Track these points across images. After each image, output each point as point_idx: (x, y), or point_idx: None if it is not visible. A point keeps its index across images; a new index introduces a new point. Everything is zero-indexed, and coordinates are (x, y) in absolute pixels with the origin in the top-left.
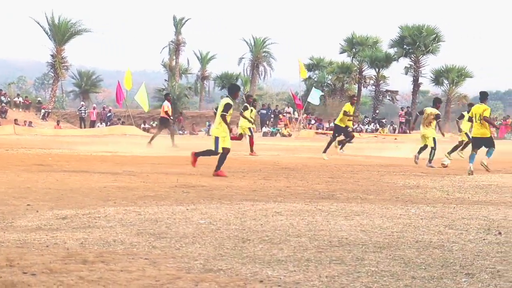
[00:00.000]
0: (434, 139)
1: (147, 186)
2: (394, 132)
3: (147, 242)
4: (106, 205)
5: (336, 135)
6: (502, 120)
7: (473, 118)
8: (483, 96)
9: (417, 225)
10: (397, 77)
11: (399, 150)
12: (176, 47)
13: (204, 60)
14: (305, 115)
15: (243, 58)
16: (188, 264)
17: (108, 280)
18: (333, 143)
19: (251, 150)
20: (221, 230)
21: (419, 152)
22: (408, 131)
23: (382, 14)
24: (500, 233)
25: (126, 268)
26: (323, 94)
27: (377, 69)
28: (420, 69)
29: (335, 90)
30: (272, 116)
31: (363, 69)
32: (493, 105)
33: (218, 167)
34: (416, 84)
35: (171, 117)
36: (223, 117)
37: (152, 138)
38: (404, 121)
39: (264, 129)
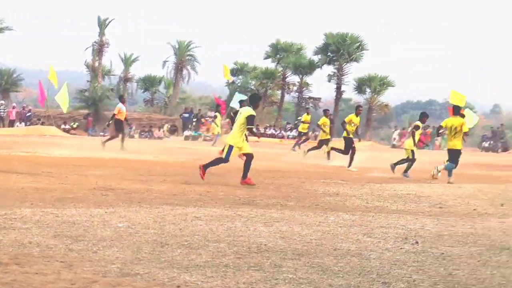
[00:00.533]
0: (413, 151)
1: (65, 188)
2: (316, 139)
3: (64, 245)
4: (23, 206)
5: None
6: (422, 130)
7: (449, 130)
8: (457, 109)
9: (335, 232)
10: (320, 84)
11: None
12: (99, 48)
13: (127, 62)
14: (227, 119)
15: (167, 61)
16: (105, 268)
17: (22, 282)
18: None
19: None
20: (140, 234)
21: (396, 164)
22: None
23: (307, 21)
24: (417, 242)
25: (41, 271)
26: (245, 99)
27: (300, 76)
28: (343, 77)
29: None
30: (195, 120)
31: (286, 75)
32: (414, 115)
33: (244, 174)
34: (339, 91)
35: (127, 120)
36: (250, 130)
37: (107, 140)
38: None
39: (186, 132)
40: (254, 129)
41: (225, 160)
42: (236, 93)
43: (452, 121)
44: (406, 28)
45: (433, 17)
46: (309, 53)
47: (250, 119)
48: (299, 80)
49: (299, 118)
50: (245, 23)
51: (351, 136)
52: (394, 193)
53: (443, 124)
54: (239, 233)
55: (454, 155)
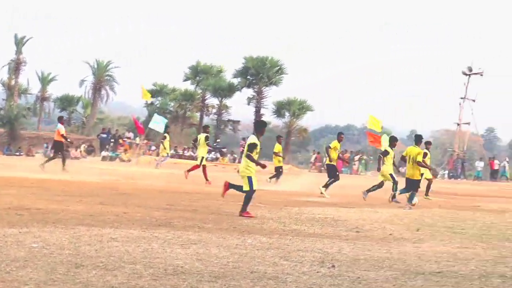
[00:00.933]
0: (391, 175)
1: None
2: (234, 162)
3: None
4: None
5: (332, 176)
6: (340, 155)
7: (407, 159)
8: (417, 139)
9: (252, 255)
10: (239, 107)
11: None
12: (16, 66)
13: (44, 81)
14: (145, 140)
15: (84, 80)
16: None
17: None
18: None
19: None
20: (54, 254)
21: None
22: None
23: (227, 44)
24: (333, 266)
25: None
26: (167, 121)
27: (220, 98)
28: (262, 100)
29: (177, 117)
30: (112, 140)
31: (206, 98)
32: (332, 139)
33: (244, 208)
34: (258, 115)
35: (68, 140)
36: (249, 156)
37: (46, 161)
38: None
39: (104, 153)
40: (254, 155)
41: (252, 191)
42: (155, 114)
43: (410, 150)
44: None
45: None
46: (229, 76)
47: (250, 147)
48: (218, 102)
49: (218, 140)
50: (165, 44)
51: (334, 163)
52: (311, 217)
53: (404, 153)
54: (155, 254)
55: (411, 185)
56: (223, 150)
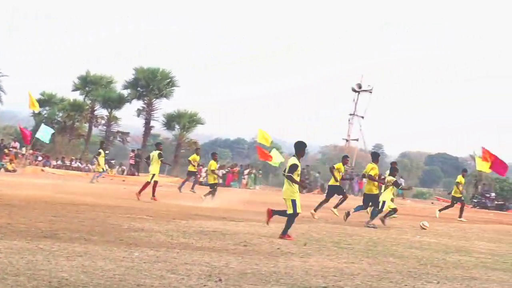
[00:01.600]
0: (383, 202)
1: None
2: (123, 174)
3: None
4: None
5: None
6: (229, 168)
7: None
8: (374, 156)
9: (139, 268)
10: (129, 119)
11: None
12: None
13: None
14: (31, 150)
15: None
16: None
17: None
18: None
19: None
20: None
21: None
22: (137, 173)
23: (117, 55)
24: (220, 280)
25: None
26: (54, 132)
27: (109, 109)
28: (152, 112)
29: (66, 128)
30: None
31: (95, 109)
32: (222, 152)
33: (285, 230)
34: (147, 127)
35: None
36: (290, 178)
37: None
38: (134, 163)
39: None
40: (296, 177)
41: (295, 214)
42: (43, 124)
43: (369, 166)
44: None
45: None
46: (119, 87)
47: (291, 169)
48: (107, 113)
49: (106, 152)
50: (52, 53)
51: (338, 184)
52: (199, 230)
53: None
54: (40, 266)
55: (370, 200)
56: (111, 161)
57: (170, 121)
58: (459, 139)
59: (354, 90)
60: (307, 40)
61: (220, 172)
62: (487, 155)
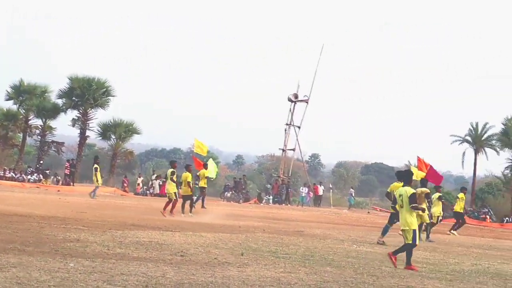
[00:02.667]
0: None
1: None
2: (58, 184)
3: None
4: None
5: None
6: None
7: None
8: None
9: (75, 279)
10: (64, 128)
11: None
12: None
13: None
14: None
15: None
16: None
17: None
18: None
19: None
20: None
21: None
22: (72, 184)
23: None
24: None
25: None
26: None
27: (44, 119)
28: (88, 122)
29: None
30: None
31: (29, 118)
32: (158, 162)
33: (408, 261)
34: (83, 136)
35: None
36: (414, 208)
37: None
38: (69, 173)
39: None
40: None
41: (414, 245)
42: None
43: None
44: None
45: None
46: (54, 97)
47: (411, 199)
48: (42, 123)
49: (41, 162)
50: None
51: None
52: (136, 240)
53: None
54: None
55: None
56: (46, 172)
57: (106, 130)
58: (395, 149)
59: (290, 100)
60: (244, 49)
61: (157, 182)
62: (423, 165)
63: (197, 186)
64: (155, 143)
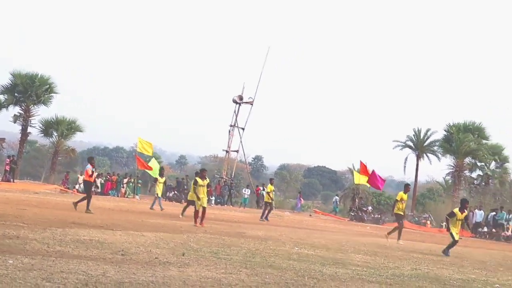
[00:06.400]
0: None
1: None
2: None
3: None
4: None
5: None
6: (108, 176)
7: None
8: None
9: (14, 276)
10: (5, 125)
11: None
12: None
13: None
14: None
15: None
16: None
17: None
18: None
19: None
20: None
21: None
22: (12, 180)
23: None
24: None
25: None
26: None
27: None
28: (30, 119)
29: None
30: None
31: None
32: (100, 161)
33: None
34: (24, 133)
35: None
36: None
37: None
38: (9, 169)
39: None
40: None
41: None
42: None
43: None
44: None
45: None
46: None
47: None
48: None
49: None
50: None
51: (401, 213)
52: (76, 238)
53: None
54: None
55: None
56: None
57: (48, 127)
58: (338, 153)
59: (235, 102)
60: (191, 49)
61: (98, 181)
62: (365, 169)
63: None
64: (97, 142)
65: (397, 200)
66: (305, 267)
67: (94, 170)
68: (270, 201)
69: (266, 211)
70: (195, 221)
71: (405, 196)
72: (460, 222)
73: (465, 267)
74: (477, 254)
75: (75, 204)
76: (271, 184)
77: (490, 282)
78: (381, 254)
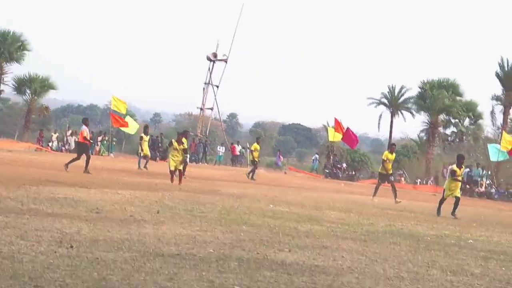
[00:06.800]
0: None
1: None
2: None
3: None
4: None
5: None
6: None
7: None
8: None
9: None
10: None
11: None
12: None
13: None
14: None
15: None
16: None
17: None
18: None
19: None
20: None
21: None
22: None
23: None
24: (72, 246)
25: None
26: None
27: None
28: (2, 76)
29: None
30: None
31: None
32: (74, 119)
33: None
34: None
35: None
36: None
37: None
38: None
39: None
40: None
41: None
42: None
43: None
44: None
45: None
46: None
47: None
48: None
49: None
50: None
51: (383, 172)
52: (51, 196)
53: None
54: None
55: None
56: None
57: (21, 85)
58: (312, 110)
59: (209, 59)
60: (165, 4)
61: (72, 139)
62: (339, 127)
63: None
64: (71, 100)
65: (383, 160)
66: (280, 224)
67: (88, 131)
68: (255, 159)
69: (251, 170)
70: (171, 180)
71: (390, 156)
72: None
73: (439, 223)
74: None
75: (66, 165)
76: (257, 143)
77: (464, 238)
78: (355, 211)
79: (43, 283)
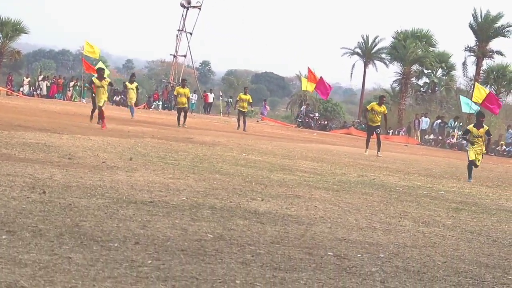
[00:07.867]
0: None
1: None
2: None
3: None
4: None
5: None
6: (54, 79)
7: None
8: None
9: None
10: None
11: None
12: None
13: None
14: None
15: None
16: None
17: None
18: None
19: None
20: None
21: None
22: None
23: None
24: (44, 192)
25: None
26: None
27: None
28: None
29: None
30: None
31: None
32: (45, 63)
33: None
34: None
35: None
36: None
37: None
38: None
39: None
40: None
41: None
42: None
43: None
44: None
45: None
46: None
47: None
48: None
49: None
50: None
51: (370, 123)
52: (23, 141)
53: None
54: None
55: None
56: None
57: None
58: (286, 59)
59: (182, 6)
60: None
61: (44, 84)
62: (312, 76)
63: None
64: (43, 44)
65: (366, 109)
66: (253, 173)
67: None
68: (242, 109)
69: (241, 120)
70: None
71: (377, 107)
72: (479, 139)
73: (411, 174)
74: (423, 161)
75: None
76: (245, 93)
77: (435, 189)
78: (327, 160)
79: (16, 228)
